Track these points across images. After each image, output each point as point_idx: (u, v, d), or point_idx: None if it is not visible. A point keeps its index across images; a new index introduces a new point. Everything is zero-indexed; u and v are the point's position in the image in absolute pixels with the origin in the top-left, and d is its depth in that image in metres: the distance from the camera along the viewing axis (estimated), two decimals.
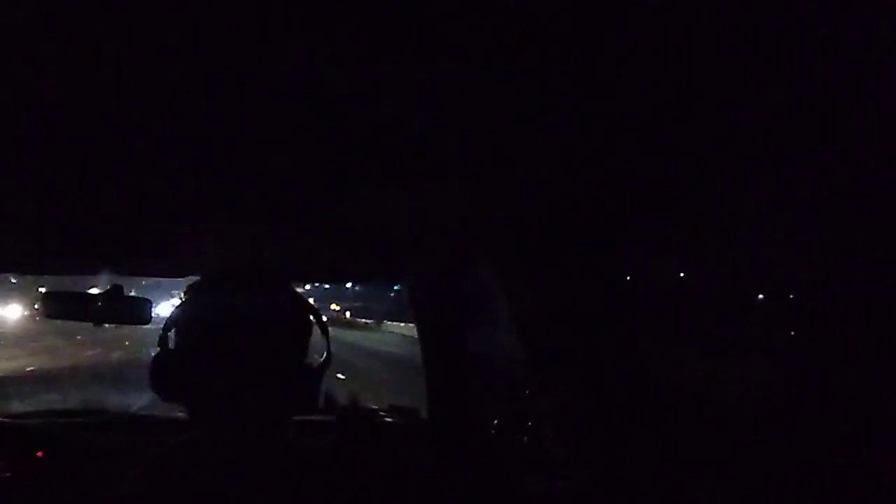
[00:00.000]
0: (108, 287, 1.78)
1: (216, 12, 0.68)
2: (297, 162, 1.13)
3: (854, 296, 1.01)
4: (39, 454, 1.90)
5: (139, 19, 0.68)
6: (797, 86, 0.81)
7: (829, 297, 1.07)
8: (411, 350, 2.92)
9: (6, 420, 2.22)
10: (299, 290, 1.35)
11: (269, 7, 0.67)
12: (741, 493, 1.30)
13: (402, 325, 20.41)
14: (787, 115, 0.89)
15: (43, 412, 2.37)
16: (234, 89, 0.84)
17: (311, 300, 1.26)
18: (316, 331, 1.19)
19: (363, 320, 27.03)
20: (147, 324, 1.81)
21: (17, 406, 5.48)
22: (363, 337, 22.46)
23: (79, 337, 15.91)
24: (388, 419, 2.40)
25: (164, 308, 3.15)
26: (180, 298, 1.18)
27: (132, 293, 1.91)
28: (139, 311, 1.81)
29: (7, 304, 20.87)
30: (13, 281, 15.90)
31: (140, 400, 4.56)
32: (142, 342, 10.28)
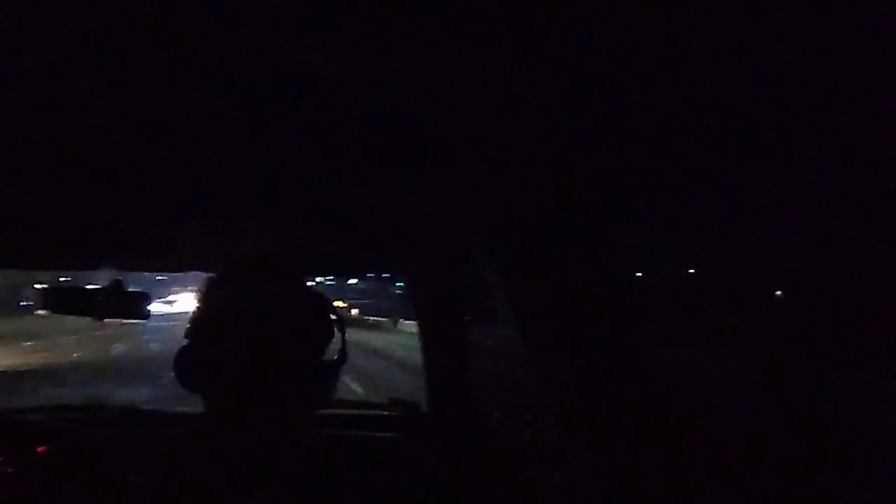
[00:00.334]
0: (109, 282, 1.78)
1: (218, 11, 0.68)
2: (297, 157, 1.13)
3: (857, 295, 1.00)
4: (41, 449, 1.91)
5: (147, 18, 0.69)
6: (803, 81, 0.80)
7: (831, 296, 1.07)
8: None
9: (7, 415, 2.23)
10: None
11: (269, 7, 0.67)
12: (740, 487, 1.30)
13: None
14: (797, 109, 0.88)
15: (45, 407, 2.38)
16: (234, 85, 0.85)
17: None
18: None
19: (372, 318, 25.32)
20: (146, 319, 1.82)
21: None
22: (382, 341, 16.27)
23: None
24: (389, 412, 2.40)
25: (156, 306, 3.14)
26: (192, 293, 1.19)
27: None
28: (139, 306, 1.81)
29: None
30: None
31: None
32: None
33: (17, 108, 0.90)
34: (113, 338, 15.45)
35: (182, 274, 2.56)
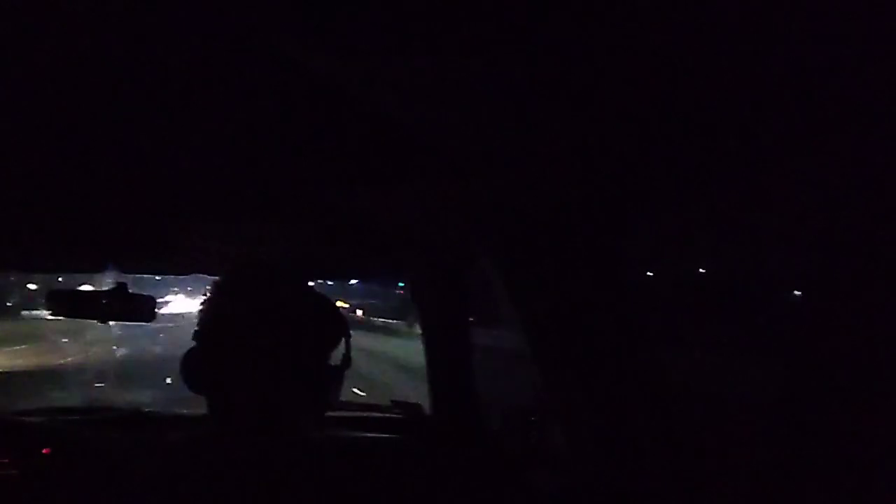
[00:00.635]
0: (114, 285, 1.78)
1: (220, 11, 0.68)
2: (300, 159, 1.13)
3: (861, 295, 1.00)
4: (45, 451, 1.91)
5: (146, 17, 0.69)
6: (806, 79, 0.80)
7: (834, 296, 1.07)
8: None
9: (11, 417, 2.23)
10: None
11: (271, 6, 0.67)
12: (745, 489, 1.30)
13: None
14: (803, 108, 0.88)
15: (48, 409, 2.38)
16: (237, 88, 0.85)
17: None
18: None
19: (381, 320, 24.01)
20: (151, 321, 1.82)
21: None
22: (403, 350, 13.02)
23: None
24: (392, 415, 2.40)
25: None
26: (185, 294, 1.19)
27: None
28: (144, 309, 1.81)
29: None
30: None
31: None
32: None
33: (19, 108, 0.90)
34: (101, 334, 15.54)
35: (178, 277, 2.56)
